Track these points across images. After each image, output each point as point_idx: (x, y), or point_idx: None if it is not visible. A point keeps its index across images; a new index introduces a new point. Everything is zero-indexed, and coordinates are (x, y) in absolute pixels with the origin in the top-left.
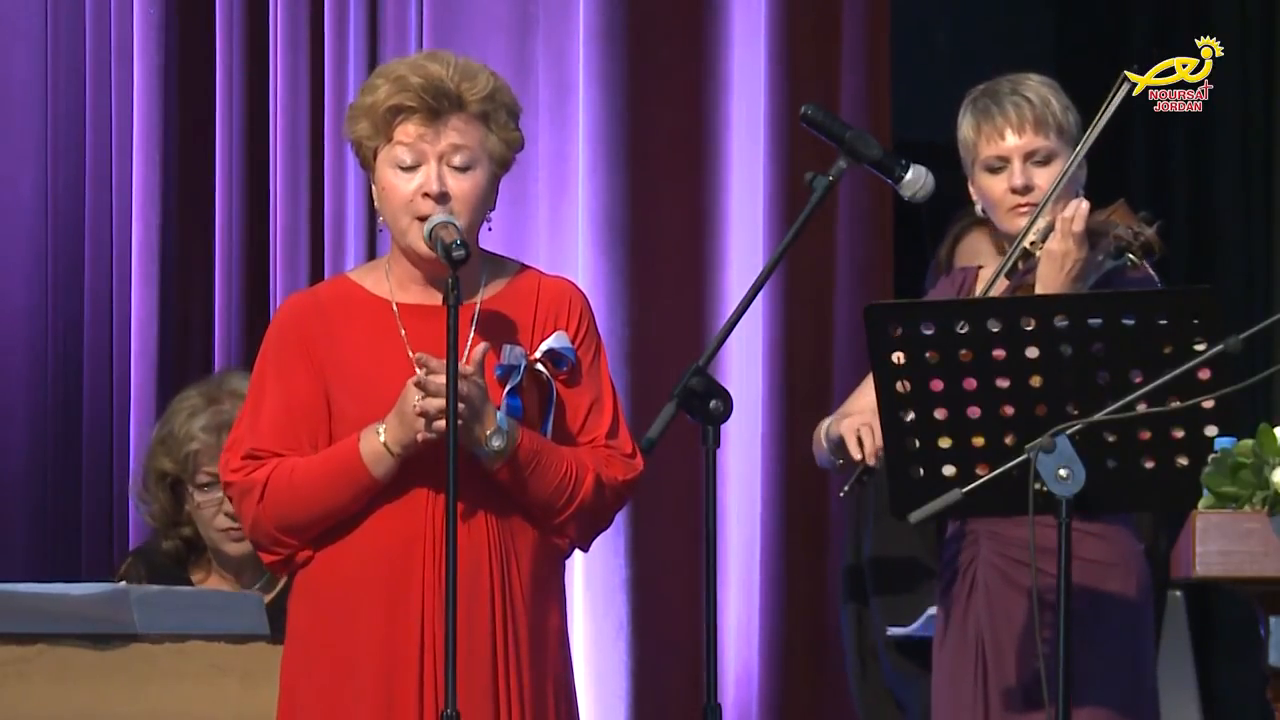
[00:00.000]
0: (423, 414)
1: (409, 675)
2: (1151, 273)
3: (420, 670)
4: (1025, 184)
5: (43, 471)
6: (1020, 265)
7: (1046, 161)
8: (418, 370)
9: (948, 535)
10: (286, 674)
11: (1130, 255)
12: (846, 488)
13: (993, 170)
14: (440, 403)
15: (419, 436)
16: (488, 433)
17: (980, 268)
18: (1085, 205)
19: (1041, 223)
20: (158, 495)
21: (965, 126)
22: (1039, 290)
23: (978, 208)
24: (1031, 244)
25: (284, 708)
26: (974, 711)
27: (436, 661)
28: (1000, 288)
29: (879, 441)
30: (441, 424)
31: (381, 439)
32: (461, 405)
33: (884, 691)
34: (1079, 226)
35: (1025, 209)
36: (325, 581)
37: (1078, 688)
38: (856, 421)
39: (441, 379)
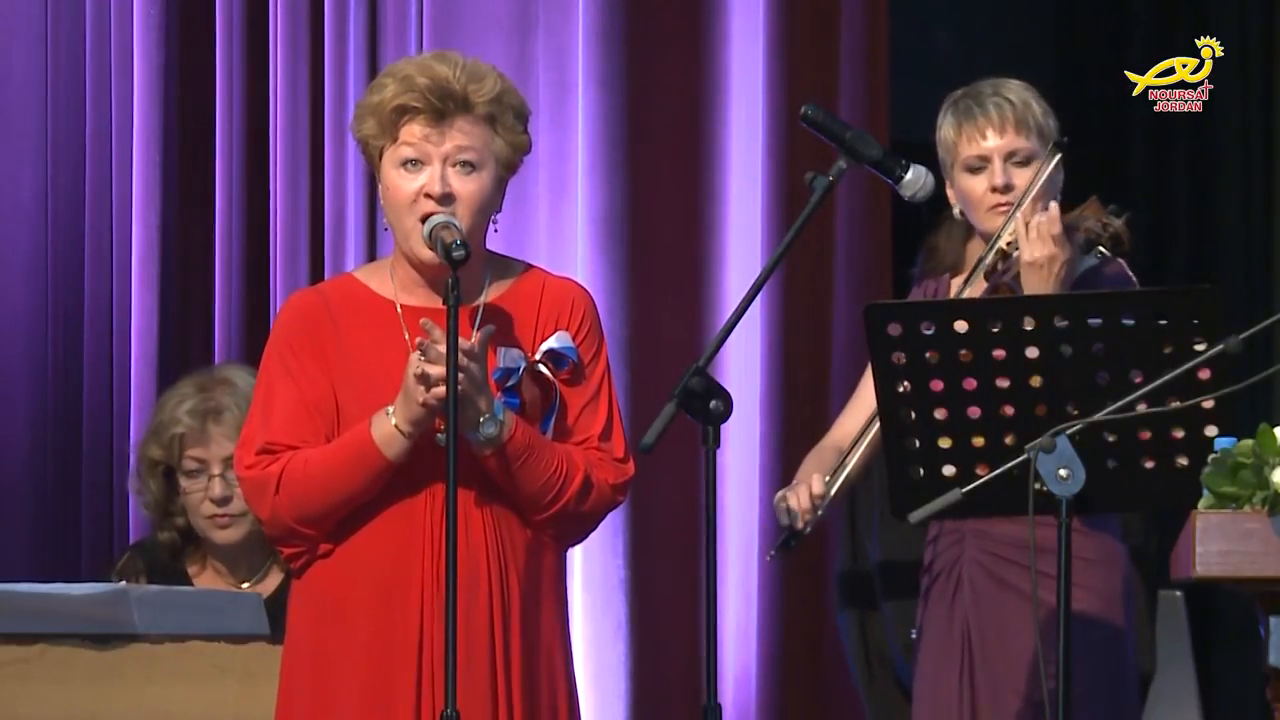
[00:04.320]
0: (422, 378)
1: (408, 676)
2: (1127, 270)
3: (419, 671)
4: (1006, 183)
5: (43, 471)
6: (999, 266)
7: (1026, 162)
8: (415, 352)
9: (931, 534)
10: (286, 674)
11: (1100, 248)
12: (773, 551)
13: (973, 170)
14: (440, 370)
15: (420, 399)
16: (483, 417)
17: (951, 276)
18: (1055, 208)
19: (1016, 223)
20: (149, 484)
21: (946, 127)
22: None
23: (955, 210)
24: (1008, 244)
25: (283, 708)
26: (959, 711)
27: (435, 662)
28: (978, 289)
29: (804, 504)
30: (441, 390)
31: (392, 421)
32: (461, 375)
33: (896, 695)
34: (1057, 229)
35: (1005, 208)
36: (324, 582)
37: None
38: (785, 490)
39: (443, 346)
